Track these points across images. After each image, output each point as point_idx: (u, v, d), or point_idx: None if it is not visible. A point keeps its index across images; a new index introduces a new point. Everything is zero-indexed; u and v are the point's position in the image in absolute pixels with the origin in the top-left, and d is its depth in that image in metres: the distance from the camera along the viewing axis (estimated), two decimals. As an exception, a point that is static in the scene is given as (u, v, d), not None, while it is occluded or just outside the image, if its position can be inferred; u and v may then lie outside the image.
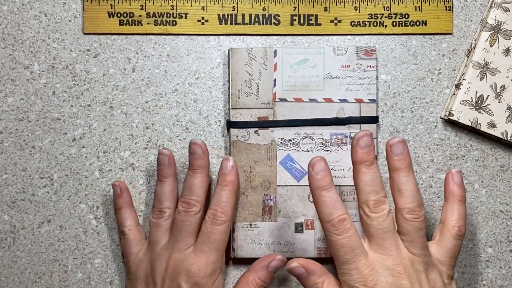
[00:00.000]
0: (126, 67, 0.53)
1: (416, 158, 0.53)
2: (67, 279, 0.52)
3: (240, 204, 0.50)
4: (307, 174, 0.46)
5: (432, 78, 0.53)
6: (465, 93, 0.52)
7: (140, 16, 0.53)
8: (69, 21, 0.53)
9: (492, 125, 0.52)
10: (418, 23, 0.53)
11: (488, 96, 0.52)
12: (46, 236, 0.53)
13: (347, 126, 0.50)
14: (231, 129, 0.50)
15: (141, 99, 0.53)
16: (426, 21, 0.53)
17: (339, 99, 0.50)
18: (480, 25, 0.53)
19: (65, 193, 0.53)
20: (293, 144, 0.50)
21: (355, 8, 0.53)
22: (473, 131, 0.53)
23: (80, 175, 0.53)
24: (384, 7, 0.53)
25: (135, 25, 0.53)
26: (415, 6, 0.53)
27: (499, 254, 0.53)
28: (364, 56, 0.50)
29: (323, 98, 0.50)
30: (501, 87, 0.52)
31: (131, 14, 0.53)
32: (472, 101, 0.52)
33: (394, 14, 0.53)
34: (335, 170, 0.50)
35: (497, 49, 0.52)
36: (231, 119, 0.50)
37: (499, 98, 0.52)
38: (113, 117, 0.53)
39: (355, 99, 0.50)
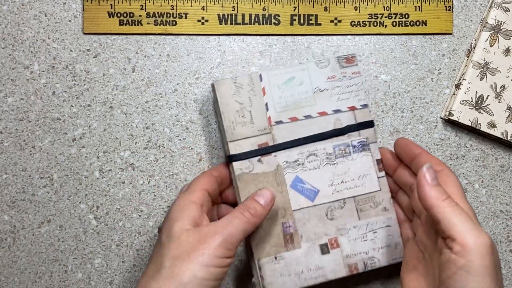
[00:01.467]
0: (126, 67, 0.53)
1: (416, 158, 0.53)
2: (67, 279, 0.52)
3: (260, 239, 0.48)
4: (317, 191, 0.48)
5: (432, 78, 0.53)
6: (465, 93, 0.52)
7: (140, 16, 0.53)
8: (69, 21, 0.53)
9: (492, 125, 0.52)
10: (418, 23, 0.53)
11: (488, 96, 0.52)
12: (46, 236, 0.53)
13: (346, 135, 0.49)
14: (234, 163, 0.48)
15: (141, 99, 0.53)
16: (426, 21, 0.53)
17: (333, 111, 0.49)
18: (480, 25, 0.53)
19: (65, 193, 0.53)
20: (298, 164, 0.49)
21: (355, 8, 0.53)
22: (473, 131, 0.53)
23: (80, 175, 0.53)
24: (384, 7, 0.53)
25: (135, 25, 0.53)
26: (415, 6, 0.53)
27: (499, 254, 0.53)
28: (346, 64, 0.49)
29: (318, 113, 0.49)
30: (501, 87, 0.52)
31: (131, 14, 0.53)
32: (472, 101, 0.52)
33: (394, 14, 0.53)
34: (345, 181, 0.49)
35: (497, 49, 0.52)
36: (231, 153, 0.48)
37: (499, 98, 0.52)
38: (113, 117, 0.53)
39: (348, 107, 0.49)
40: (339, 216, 0.48)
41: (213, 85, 0.48)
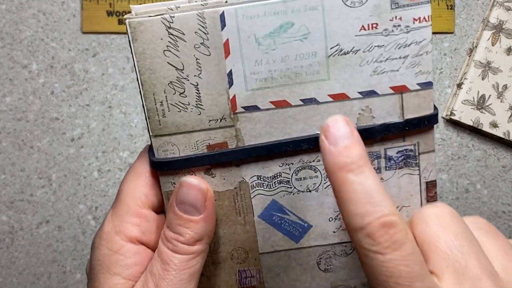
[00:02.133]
0: (125, 67, 0.53)
1: (418, 158, 0.53)
2: (65, 280, 0.52)
3: None
4: (308, 226, 0.30)
5: (433, 78, 0.53)
6: (467, 92, 0.51)
7: (139, 15, 0.52)
8: (68, 20, 0.53)
9: (494, 125, 0.51)
10: (419, 22, 0.53)
11: (490, 95, 0.51)
12: (45, 236, 0.52)
13: (379, 140, 0.29)
14: (160, 175, 0.29)
15: (140, 99, 0.53)
16: (427, 20, 0.53)
17: (360, 93, 0.28)
18: (482, 24, 0.53)
19: (63, 193, 0.52)
20: (280, 182, 0.30)
21: (356, 7, 0.53)
22: (475, 131, 0.53)
23: (79, 175, 0.52)
24: (385, 6, 0.53)
25: (134, 24, 0.52)
26: (417, 5, 0.53)
27: (501, 255, 0.53)
28: (407, 1, 0.26)
29: (330, 95, 0.28)
30: (503, 86, 0.51)
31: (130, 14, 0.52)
32: (474, 101, 0.51)
33: (395, 13, 0.53)
34: None
35: (499, 48, 0.52)
36: (157, 155, 0.29)
37: (501, 97, 0.51)
38: (112, 117, 0.52)
39: (391, 87, 0.28)
40: (340, 268, 0.31)
41: (127, 27, 0.27)
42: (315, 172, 0.29)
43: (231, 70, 0.27)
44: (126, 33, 0.53)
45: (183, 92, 0.28)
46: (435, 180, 0.29)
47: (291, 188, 0.30)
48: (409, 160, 0.29)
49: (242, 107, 0.28)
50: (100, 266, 0.29)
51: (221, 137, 0.28)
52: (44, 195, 0.52)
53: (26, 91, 0.52)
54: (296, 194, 0.30)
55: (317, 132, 0.28)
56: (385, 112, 0.28)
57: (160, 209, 0.30)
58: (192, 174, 0.29)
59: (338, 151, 0.24)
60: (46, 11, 0.53)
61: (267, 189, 0.30)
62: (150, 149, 0.29)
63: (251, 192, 0.30)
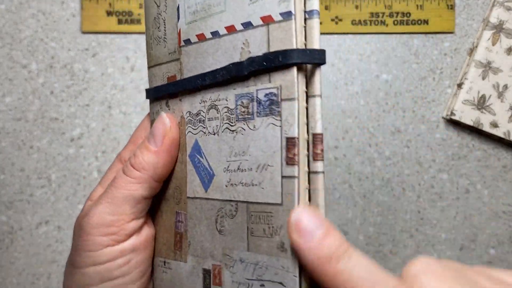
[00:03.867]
0: (124, 66, 0.52)
1: (418, 158, 0.53)
2: (65, 281, 0.52)
3: (158, 224, 0.32)
4: (212, 174, 0.28)
5: (434, 78, 0.53)
6: (467, 92, 0.51)
7: (139, 14, 0.52)
8: (67, 20, 0.53)
9: (494, 125, 0.51)
10: (419, 22, 0.53)
11: (490, 95, 0.51)
12: (44, 237, 0.52)
13: (252, 79, 0.26)
14: (150, 104, 0.32)
15: (139, 99, 0.52)
16: (428, 20, 0.53)
17: (242, 24, 0.26)
18: (482, 24, 0.53)
19: (63, 193, 0.52)
20: (200, 121, 0.29)
21: (356, 7, 0.53)
22: (475, 131, 0.53)
23: (79, 175, 0.52)
24: (385, 5, 0.53)
25: (133, 23, 0.52)
26: (417, 5, 0.53)
27: (501, 255, 0.52)
28: None
29: (226, 27, 0.27)
30: (503, 86, 0.51)
31: (130, 13, 0.52)
32: (474, 101, 0.51)
33: (395, 12, 0.53)
34: (242, 169, 0.26)
35: (499, 48, 0.51)
36: (149, 86, 0.32)
37: (501, 97, 0.51)
38: (112, 117, 0.52)
39: (261, 17, 0.25)
40: (228, 231, 0.27)
41: None
42: (217, 113, 0.28)
43: (178, 5, 0.29)
44: (126, 32, 0.53)
45: (159, 26, 0.31)
46: (295, 138, 0.23)
47: (205, 128, 0.28)
48: (272, 107, 0.25)
49: (183, 40, 0.29)
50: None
51: (173, 70, 0.30)
52: (43, 195, 0.52)
53: (25, 91, 0.52)
54: (208, 136, 0.28)
55: (216, 68, 0.27)
56: (257, 46, 0.25)
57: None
58: (160, 106, 0.31)
59: (317, 243, 0.22)
60: (45, 11, 0.53)
61: (194, 127, 0.29)
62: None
63: (186, 128, 0.30)
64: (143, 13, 0.52)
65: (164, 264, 0.31)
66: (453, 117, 0.51)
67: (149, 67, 0.31)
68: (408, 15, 0.53)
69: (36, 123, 0.52)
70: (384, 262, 0.52)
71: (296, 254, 0.23)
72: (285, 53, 0.24)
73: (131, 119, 0.52)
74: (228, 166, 0.27)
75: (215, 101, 0.28)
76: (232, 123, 0.27)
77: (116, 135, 0.52)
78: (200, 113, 0.29)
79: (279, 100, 0.24)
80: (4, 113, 0.52)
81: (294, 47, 0.24)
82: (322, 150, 0.24)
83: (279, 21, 0.24)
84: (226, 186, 0.27)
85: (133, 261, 0.30)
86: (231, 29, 0.27)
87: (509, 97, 0.51)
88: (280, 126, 0.24)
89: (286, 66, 0.24)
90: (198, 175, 0.29)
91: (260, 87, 0.25)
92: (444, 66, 0.53)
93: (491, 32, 0.52)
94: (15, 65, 0.52)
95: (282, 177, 0.24)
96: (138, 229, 0.30)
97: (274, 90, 0.24)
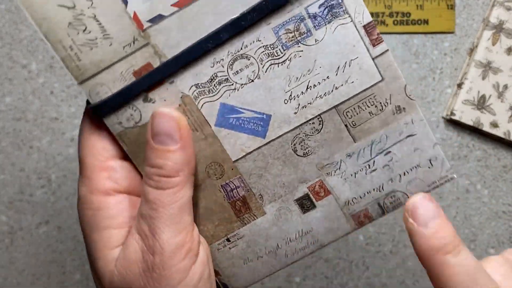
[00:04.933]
0: (124, 66, 0.53)
1: (418, 158, 0.53)
2: (65, 281, 0.52)
3: (195, 220, 0.32)
4: (267, 117, 0.28)
5: (434, 78, 0.53)
6: (467, 92, 0.51)
7: (139, 14, 0.52)
8: (67, 20, 0.53)
9: (495, 125, 0.51)
10: (419, 21, 0.53)
11: (490, 95, 0.51)
12: (44, 237, 0.52)
13: (295, 3, 0.27)
14: (105, 120, 0.28)
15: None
16: (428, 19, 0.53)
17: None
18: (482, 23, 0.53)
19: (63, 193, 0.52)
20: (219, 83, 0.28)
21: (356, 7, 0.53)
22: (475, 131, 0.53)
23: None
24: (385, 5, 0.53)
25: (134, 24, 0.52)
26: (417, 5, 0.53)
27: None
28: None
29: None
30: (503, 86, 0.51)
31: (130, 13, 0.52)
32: (474, 101, 0.51)
33: (395, 12, 0.53)
34: (313, 85, 0.28)
35: (499, 48, 0.51)
36: (92, 101, 0.28)
37: (501, 97, 0.51)
38: (112, 117, 0.52)
39: None
40: (317, 147, 0.30)
41: None
42: (249, 60, 0.28)
43: None
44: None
45: (85, 28, 0.26)
46: (372, 21, 0.27)
47: (232, 84, 0.28)
48: (335, 10, 0.27)
49: (147, 21, 0.27)
50: (89, 227, 0.28)
51: (142, 60, 0.27)
52: (43, 195, 0.52)
53: (25, 91, 0.52)
54: (240, 89, 0.28)
55: (232, 18, 0.27)
56: None
57: (124, 155, 0.29)
58: (133, 108, 0.28)
59: (430, 233, 0.24)
60: (45, 10, 0.53)
61: (211, 95, 0.28)
62: (87, 101, 0.29)
63: (196, 103, 0.28)
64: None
65: (228, 240, 0.31)
66: (453, 117, 0.51)
67: (83, 80, 0.27)
68: (408, 15, 0.53)
69: (36, 123, 0.52)
70: (384, 262, 0.52)
71: (409, 237, 0.25)
72: None
73: (131, 119, 0.52)
74: (290, 95, 0.28)
75: (238, 51, 0.28)
76: (277, 55, 0.28)
77: (116, 135, 0.52)
78: (217, 75, 0.28)
79: (341, 1, 0.27)
80: (4, 113, 0.52)
81: None
82: (378, 34, 0.28)
83: None
84: (295, 113, 0.29)
85: (206, 273, 0.28)
86: None
87: (509, 97, 0.51)
88: (352, 21, 0.27)
89: None
90: (243, 131, 0.29)
91: (308, 3, 0.27)
92: (444, 66, 0.53)
93: (491, 32, 0.52)
94: (15, 65, 0.52)
95: (373, 58, 0.28)
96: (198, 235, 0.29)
97: None
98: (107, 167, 0.28)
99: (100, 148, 0.28)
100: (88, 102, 0.28)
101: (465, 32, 0.53)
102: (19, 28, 0.52)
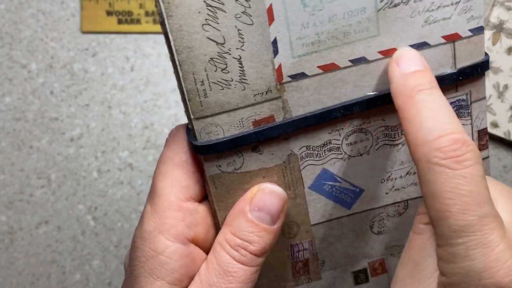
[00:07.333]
0: (124, 66, 0.52)
1: (418, 158, 0.53)
2: (65, 281, 0.52)
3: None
4: (360, 191, 0.29)
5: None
6: (467, 92, 0.51)
7: (138, 14, 0.52)
8: (67, 19, 0.53)
9: (495, 125, 0.51)
10: (419, 21, 0.53)
11: (490, 95, 0.51)
12: (44, 237, 0.52)
13: None
14: (204, 160, 0.27)
15: (139, 99, 0.52)
16: (428, 19, 0.53)
17: (411, 46, 0.26)
18: (482, 23, 0.53)
19: (63, 193, 0.52)
20: (329, 150, 0.28)
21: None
22: (475, 131, 0.53)
23: (78, 175, 0.52)
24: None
25: (133, 23, 0.52)
26: (417, 5, 0.53)
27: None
28: None
29: (380, 52, 0.26)
30: (503, 86, 0.51)
31: (130, 13, 0.52)
32: (474, 101, 0.51)
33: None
34: (412, 173, 0.30)
35: (499, 48, 0.51)
36: (198, 140, 0.27)
37: (501, 97, 0.51)
38: (112, 117, 0.52)
39: (443, 37, 0.26)
40: (393, 228, 0.31)
41: (160, 1, 0.24)
42: (366, 135, 0.28)
43: (275, 38, 0.25)
44: (125, 32, 0.53)
45: (225, 67, 0.25)
46: (486, 128, 0.28)
47: (341, 154, 0.28)
48: (461, 110, 0.28)
49: (288, 76, 0.26)
50: (142, 268, 0.26)
51: (267, 111, 0.26)
52: (43, 195, 0.52)
53: (25, 91, 0.52)
54: (347, 160, 0.28)
55: (369, 94, 0.27)
56: (437, 63, 0.27)
57: (201, 197, 0.28)
58: (239, 155, 0.27)
59: (410, 74, 0.24)
60: (45, 10, 0.53)
61: (317, 159, 0.28)
62: (188, 133, 0.28)
63: (300, 164, 0.28)
64: (143, 13, 0.52)
65: None
66: (453, 117, 0.51)
67: (200, 117, 0.26)
68: (408, 15, 0.53)
69: (36, 123, 0.52)
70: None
71: (389, 80, 0.25)
72: (482, 64, 0.27)
73: (131, 119, 0.52)
74: (390, 176, 0.29)
75: (360, 125, 0.28)
76: (394, 138, 0.28)
77: (116, 135, 0.52)
78: (330, 141, 0.28)
79: (469, 104, 0.28)
80: (4, 113, 0.52)
81: (483, 57, 0.27)
82: (487, 141, 0.29)
83: (468, 37, 0.27)
84: (387, 193, 0.29)
85: None
86: (391, 52, 0.26)
87: (509, 97, 0.51)
88: (470, 124, 0.28)
89: (478, 73, 0.27)
90: (332, 199, 0.29)
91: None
92: (444, 66, 0.53)
93: (491, 32, 0.51)
94: (14, 65, 0.52)
95: None
96: None
97: (463, 97, 0.28)
98: (185, 207, 0.27)
99: (184, 186, 0.27)
100: (188, 133, 0.28)
101: (465, 32, 0.53)
102: (19, 28, 0.52)
